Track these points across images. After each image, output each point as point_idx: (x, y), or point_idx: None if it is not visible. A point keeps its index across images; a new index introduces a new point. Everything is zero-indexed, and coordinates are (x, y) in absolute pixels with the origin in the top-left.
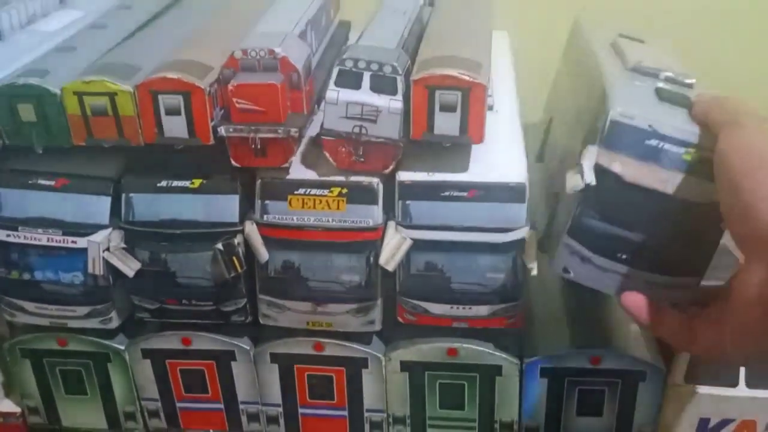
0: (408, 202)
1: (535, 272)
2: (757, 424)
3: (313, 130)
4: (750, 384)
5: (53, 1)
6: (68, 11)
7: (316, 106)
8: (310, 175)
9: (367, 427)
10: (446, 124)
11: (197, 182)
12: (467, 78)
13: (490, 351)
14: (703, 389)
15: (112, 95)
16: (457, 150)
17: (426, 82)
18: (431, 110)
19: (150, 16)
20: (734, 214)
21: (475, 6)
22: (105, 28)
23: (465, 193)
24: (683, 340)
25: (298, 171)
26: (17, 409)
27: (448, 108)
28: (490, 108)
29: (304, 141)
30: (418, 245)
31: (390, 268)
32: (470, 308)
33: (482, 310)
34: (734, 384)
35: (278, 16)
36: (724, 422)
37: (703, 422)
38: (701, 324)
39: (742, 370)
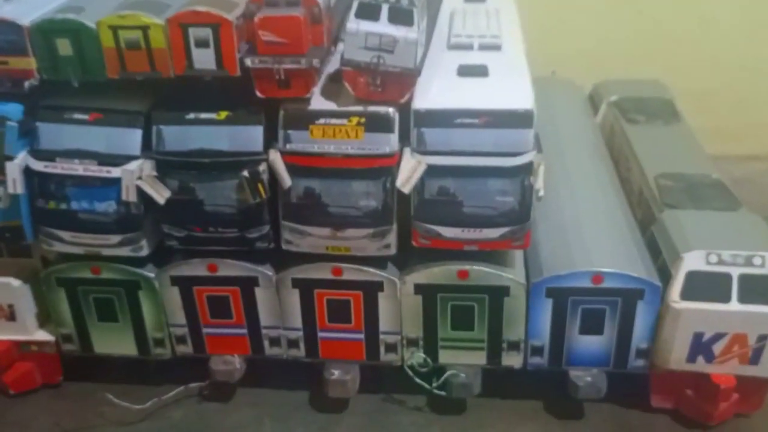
0: (422, 129)
1: (542, 193)
2: (748, 337)
3: (330, 68)
4: (742, 299)
5: None
6: None
7: (332, 47)
8: (330, 105)
9: (382, 349)
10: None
11: (223, 114)
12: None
13: (499, 272)
14: (698, 305)
15: (145, 29)
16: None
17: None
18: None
19: None
20: None
21: None
22: None
23: (476, 120)
24: None
25: (318, 102)
26: (51, 338)
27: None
28: (498, 48)
29: (323, 77)
30: (431, 171)
31: (406, 190)
32: (480, 231)
33: (492, 232)
34: (727, 300)
35: None
36: (717, 336)
37: (698, 337)
38: None
39: (735, 287)
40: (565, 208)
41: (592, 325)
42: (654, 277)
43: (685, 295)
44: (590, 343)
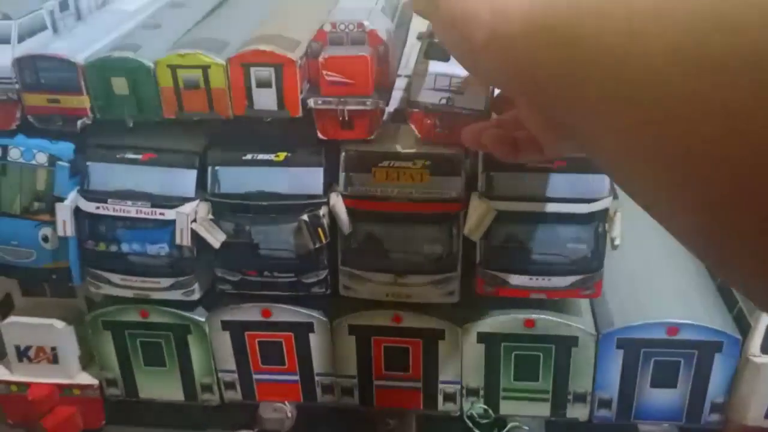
0: (491, 173)
1: (618, 242)
2: None
3: (390, 106)
4: None
5: None
6: None
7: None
8: (394, 147)
9: (440, 398)
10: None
11: (282, 155)
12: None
13: (567, 322)
14: None
15: (205, 68)
16: None
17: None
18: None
19: None
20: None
21: None
22: (183, 7)
23: (549, 164)
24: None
25: (380, 144)
26: (95, 382)
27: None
28: None
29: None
30: (499, 216)
31: (475, 238)
32: (549, 279)
33: (561, 281)
34: None
35: None
36: None
37: None
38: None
39: None
40: (629, 252)
41: (665, 377)
42: (732, 329)
43: (766, 348)
44: (662, 397)
